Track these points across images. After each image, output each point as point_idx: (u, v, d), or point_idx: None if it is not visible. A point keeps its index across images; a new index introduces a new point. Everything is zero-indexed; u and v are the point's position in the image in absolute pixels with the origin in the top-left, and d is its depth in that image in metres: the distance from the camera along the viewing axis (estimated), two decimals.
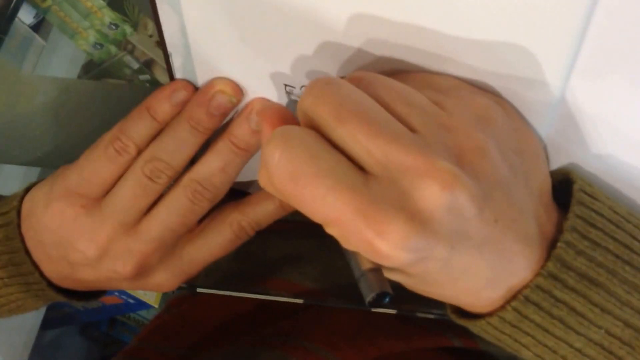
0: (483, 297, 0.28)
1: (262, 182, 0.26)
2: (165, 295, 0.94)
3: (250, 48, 0.32)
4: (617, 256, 0.28)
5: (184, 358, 0.46)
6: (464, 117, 0.26)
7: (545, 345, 0.28)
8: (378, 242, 0.23)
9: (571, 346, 0.28)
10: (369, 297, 0.26)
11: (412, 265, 0.24)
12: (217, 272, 0.50)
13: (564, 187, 0.29)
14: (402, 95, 0.26)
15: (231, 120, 0.36)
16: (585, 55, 0.27)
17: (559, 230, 0.28)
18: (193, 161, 0.36)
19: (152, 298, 0.91)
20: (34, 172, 0.73)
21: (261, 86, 0.35)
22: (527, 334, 0.28)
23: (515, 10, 0.26)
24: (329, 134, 0.25)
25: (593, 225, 0.27)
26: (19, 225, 0.36)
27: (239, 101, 0.35)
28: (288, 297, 0.46)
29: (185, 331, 0.49)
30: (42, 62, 0.37)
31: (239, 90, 0.35)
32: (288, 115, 0.29)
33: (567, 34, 0.26)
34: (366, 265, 0.26)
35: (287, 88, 0.34)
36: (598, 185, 0.30)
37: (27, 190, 0.38)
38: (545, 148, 0.31)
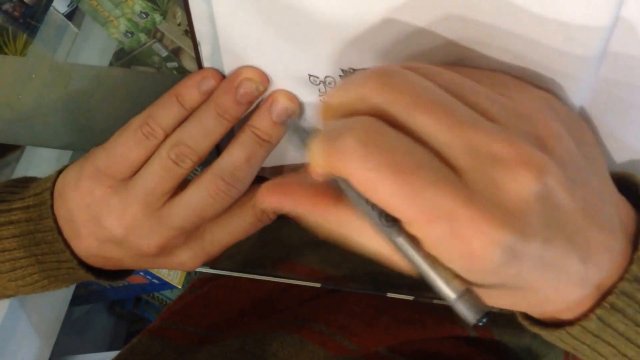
0: (571, 298, 0.25)
1: (317, 169, 0.24)
2: (188, 276, 0.95)
3: (276, 38, 0.33)
4: None
5: (204, 338, 0.47)
6: (534, 105, 0.25)
7: (625, 355, 0.26)
8: (474, 241, 0.21)
9: None
10: (475, 319, 0.23)
11: (506, 265, 0.22)
12: (238, 255, 0.51)
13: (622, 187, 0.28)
14: (466, 84, 0.24)
15: (253, 111, 0.37)
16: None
17: (637, 228, 0.26)
18: (217, 147, 0.37)
19: (175, 279, 0.93)
20: (66, 156, 0.75)
21: (286, 76, 0.35)
22: (609, 343, 0.26)
23: None
24: (404, 124, 0.23)
25: None
26: (52, 206, 0.38)
27: (265, 89, 0.36)
28: (307, 281, 0.46)
29: (207, 312, 0.49)
30: (75, 49, 0.38)
31: (265, 78, 0.35)
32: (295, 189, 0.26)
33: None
34: (457, 285, 0.23)
35: (312, 78, 0.34)
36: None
37: (60, 172, 0.39)
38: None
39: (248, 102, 0.35)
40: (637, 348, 0.26)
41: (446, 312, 0.44)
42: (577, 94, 0.30)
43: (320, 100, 0.35)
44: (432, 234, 0.22)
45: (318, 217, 0.25)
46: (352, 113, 0.24)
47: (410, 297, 0.44)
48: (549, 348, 0.46)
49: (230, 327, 0.47)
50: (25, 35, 0.38)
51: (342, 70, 0.33)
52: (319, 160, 0.23)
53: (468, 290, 0.23)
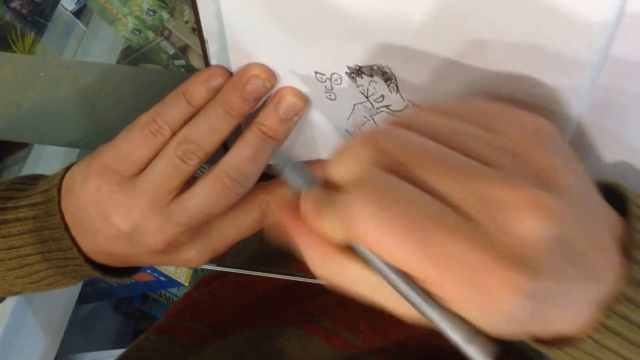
0: (581, 319, 0.25)
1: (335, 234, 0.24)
2: (195, 273, 0.96)
3: (282, 36, 0.33)
4: None
5: (211, 335, 0.47)
6: (523, 138, 0.25)
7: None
8: (494, 288, 0.21)
9: None
10: None
11: (528, 309, 0.22)
12: (245, 253, 0.51)
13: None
14: (459, 132, 0.25)
15: (260, 108, 0.37)
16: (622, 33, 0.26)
17: (624, 242, 0.26)
18: (225, 144, 0.37)
19: (182, 276, 0.93)
20: (73, 153, 0.75)
21: (293, 73, 0.35)
22: (615, 352, 0.26)
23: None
24: (412, 180, 0.23)
25: None
26: (59, 202, 0.38)
27: (272, 86, 0.36)
28: (313, 278, 0.46)
29: (213, 309, 0.50)
30: (83, 47, 0.38)
31: (272, 76, 0.35)
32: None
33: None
34: (470, 335, 0.23)
35: (318, 75, 0.34)
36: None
37: (67, 169, 0.39)
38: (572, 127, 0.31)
39: (255, 99, 0.36)
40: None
41: None
42: (577, 100, 0.30)
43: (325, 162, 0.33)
44: (450, 286, 0.22)
45: (321, 265, 0.25)
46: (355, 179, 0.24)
47: None
48: None
49: (236, 323, 0.47)
50: (33, 33, 0.38)
51: (348, 67, 0.33)
52: (336, 231, 0.24)
53: (477, 334, 0.23)
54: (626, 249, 0.26)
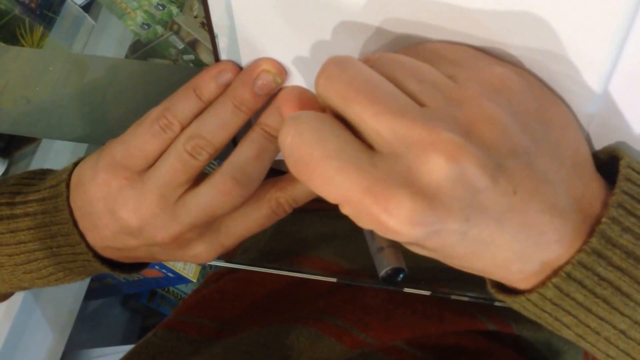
0: (514, 271, 0.27)
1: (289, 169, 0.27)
2: (203, 270, 0.96)
3: (294, 30, 0.33)
4: None
5: (220, 332, 0.47)
6: (475, 88, 0.26)
7: (588, 326, 0.27)
8: (386, 218, 0.23)
9: (615, 327, 0.27)
10: (382, 272, 0.26)
11: (426, 240, 0.24)
12: (254, 249, 0.51)
13: (611, 165, 0.28)
14: (413, 71, 0.26)
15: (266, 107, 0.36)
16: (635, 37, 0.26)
17: (604, 205, 0.26)
18: (234, 140, 0.37)
19: (190, 272, 0.93)
20: (82, 148, 0.75)
21: (304, 69, 0.35)
22: (569, 313, 0.27)
23: None
24: (341, 114, 0.26)
25: None
26: (67, 197, 0.38)
27: (283, 81, 0.35)
28: (323, 275, 0.46)
29: (222, 306, 0.50)
30: (92, 41, 0.38)
31: (283, 71, 0.35)
32: (308, 98, 0.29)
33: (619, 8, 0.25)
34: (382, 243, 0.26)
35: None
36: None
37: (76, 164, 0.39)
38: (588, 122, 0.30)
39: (265, 94, 0.35)
40: (598, 319, 0.27)
41: (465, 306, 0.44)
42: (591, 99, 0.29)
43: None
44: (347, 213, 0.25)
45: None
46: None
47: (427, 292, 0.43)
48: (568, 344, 0.45)
49: (246, 320, 0.47)
50: (42, 27, 0.38)
51: None
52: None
53: (385, 247, 0.26)
54: (603, 208, 0.26)
